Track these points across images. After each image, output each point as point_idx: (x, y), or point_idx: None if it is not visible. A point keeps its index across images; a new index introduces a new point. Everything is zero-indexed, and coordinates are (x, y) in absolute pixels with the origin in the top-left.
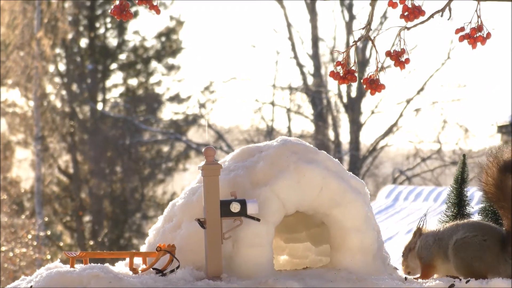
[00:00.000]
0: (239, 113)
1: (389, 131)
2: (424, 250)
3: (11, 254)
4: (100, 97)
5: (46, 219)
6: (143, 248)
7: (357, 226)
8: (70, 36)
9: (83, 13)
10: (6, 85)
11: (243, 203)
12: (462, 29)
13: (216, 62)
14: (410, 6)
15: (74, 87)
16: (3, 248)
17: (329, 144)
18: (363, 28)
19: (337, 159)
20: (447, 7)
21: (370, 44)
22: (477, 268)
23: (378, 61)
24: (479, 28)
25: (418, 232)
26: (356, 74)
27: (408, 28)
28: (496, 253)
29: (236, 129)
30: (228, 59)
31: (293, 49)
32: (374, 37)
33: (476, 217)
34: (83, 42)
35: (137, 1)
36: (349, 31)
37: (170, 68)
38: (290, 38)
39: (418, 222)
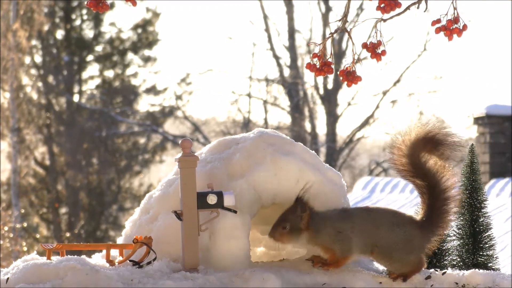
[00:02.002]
0: (216, 105)
1: (366, 122)
2: (340, 243)
3: None
4: (76, 88)
5: (23, 211)
6: (119, 240)
7: None
8: (46, 27)
9: (59, 4)
10: None
11: (219, 195)
12: (439, 21)
13: (192, 54)
14: None
15: (50, 79)
16: None
17: (306, 136)
18: (339, 20)
19: (313, 151)
20: None
21: (346, 36)
22: (406, 270)
23: (355, 53)
24: (455, 20)
25: (307, 208)
26: (333, 66)
27: (385, 20)
28: (419, 236)
29: (213, 121)
30: (205, 51)
31: (270, 40)
32: (351, 29)
33: None
34: (59, 34)
35: None
36: (326, 23)
37: (147, 60)
38: (267, 30)
39: (300, 193)
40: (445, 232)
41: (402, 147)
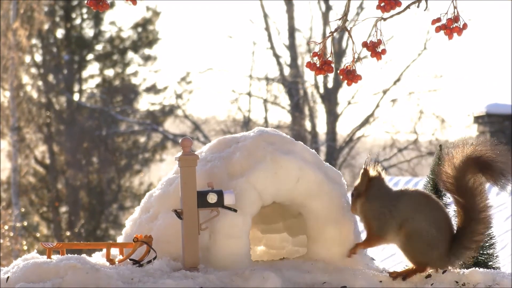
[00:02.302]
0: (216, 104)
1: (366, 121)
2: (376, 220)
3: None
4: (76, 87)
5: (23, 210)
6: (120, 239)
7: (334, 217)
8: (46, 26)
9: (59, 3)
10: None
11: (220, 194)
12: (439, 19)
13: (192, 52)
14: None
15: (51, 77)
16: None
17: (306, 134)
18: (339, 19)
19: (313, 150)
20: None
21: (346, 35)
22: (419, 259)
23: (355, 51)
24: (456, 19)
25: (367, 176)
26: (333, 65)
27: (385, 19)
28: (442, 252)
29: (213, 120)
30: (205, 49)
31: (270, 39)
32: (351, 28)
33: (452, 208)
34: (59, 33)
35: None
36: (326, 21)
37: (147, 58)
38: (267, 29)
39: (365, 162)
40: (471, 254)
41: (452, 161)
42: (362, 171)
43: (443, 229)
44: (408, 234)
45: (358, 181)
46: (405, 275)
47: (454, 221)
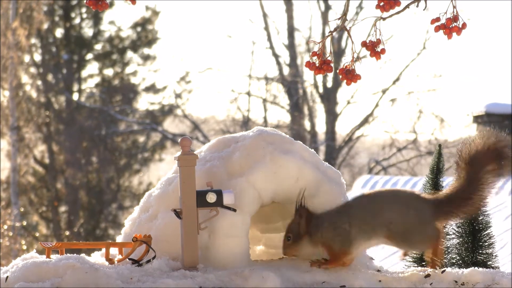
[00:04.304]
0: (215, 103)
1: (365, 121)
2: (337, 237)
3: None
4: (75, 87)
5: (22, 209)
6: (119, 239)
7: None
8: (45, 26)
9: (59, 3)
10: None
11: (219, 194)
12: (438, 19)
13: (192, 52)
14: None
15: (50, 77)
16: None
17: (305, 134)
18: (339, 19)
19: (313, 149)
20: None
21: (346, 34)
22: (419, 242)
23: (354, 51)
24: (455, 18)
25: (304, 213)
26: (332, 65)
27: (384, 19)
28: (431, 223)
29: (212, 119)
30: (204, 49)
31: (269, 39)
32: (350, 28)
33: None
34: (59, 32)
35: None
36: (325, 21)
37: (146, 58)
38: (266, 28)
39: (298, 200)
40: (460, 219)
41: (474, 148)
42: (297, 213)
43: (416, 209)
44: (397, 234)
45: (290, 226)
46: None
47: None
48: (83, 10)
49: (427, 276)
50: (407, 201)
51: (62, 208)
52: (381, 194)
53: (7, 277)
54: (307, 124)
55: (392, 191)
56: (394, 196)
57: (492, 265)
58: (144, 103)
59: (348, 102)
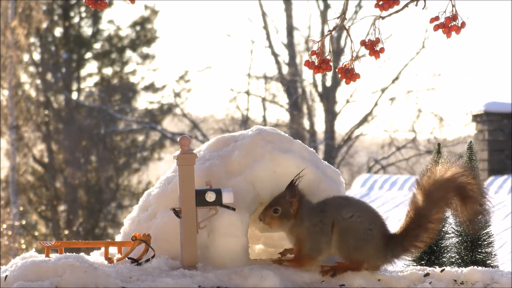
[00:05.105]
0: (214, 102)
1: (364, 120)
2: (308, 240)
3: None
4: (74, 86)
5: (21, 208)
6: (118, 238)
7: None
8: (44, 25)
9: (58, 2)
10: None
11: (218, 193)
12: (437, 18)
13: (191, 51)
14: None
15: (49, 76)
16: None
17: (304, 133)
18: (338, 18)
19: (312, 148)
20: None
21: (345, 33)
22: (355, 256)
23: (353, 50)
24: (454, 17)
25: (292, 191)
26: (331, 64)
27: (383, 18)
28: (378, 247)
29: (211, 118)
30: (203, 48)
31: (268, 38)
32: (349, 27)
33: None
34: (58, 31)
35: None
36: (324, 20)
37: (145, 57)
38: (265, 27)
39: (294, 179)
40: (407, 256)
41: (432, 177)
42: (291, 191)
43: (376, 225)
44: (341, 231)
45: (280, 200)
46: (334, 271)
47: (395, 222)
48: (82, 9)
49: (426, 275)
50: (373, 215)
51: (61, 207)
52: (356, 200)
53: (6, 276)
54: (306, 123)
55: (371, 209)
56: (367, 206)
57: (492, 264)
58: (143, 102)
59: (347, 101)
